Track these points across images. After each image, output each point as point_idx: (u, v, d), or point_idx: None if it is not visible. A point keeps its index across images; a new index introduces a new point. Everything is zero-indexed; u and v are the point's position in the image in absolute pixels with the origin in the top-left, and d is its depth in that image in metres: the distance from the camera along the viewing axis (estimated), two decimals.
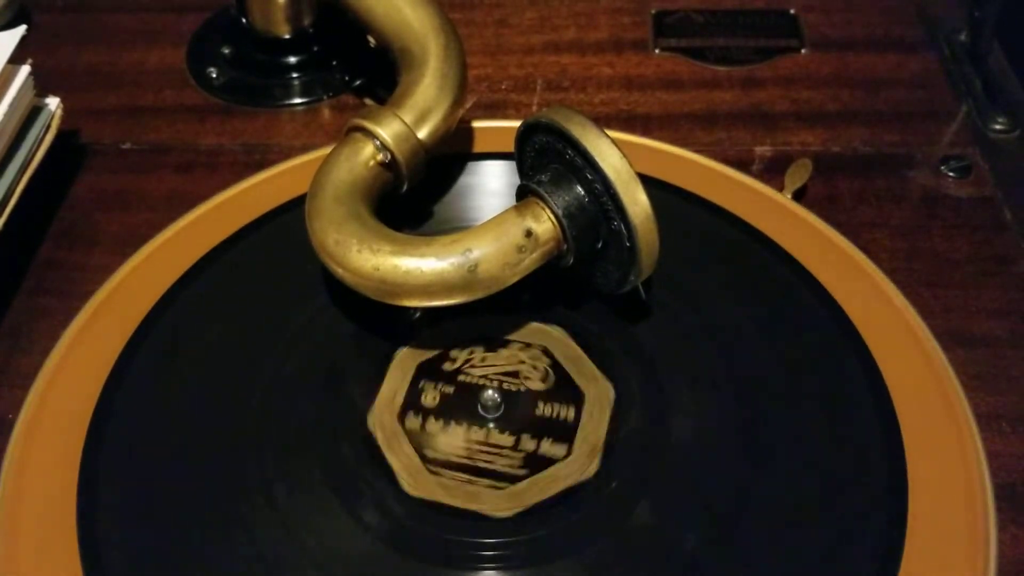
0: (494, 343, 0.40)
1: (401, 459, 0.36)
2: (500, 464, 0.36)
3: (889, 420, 0.37)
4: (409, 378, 0.39)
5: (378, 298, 0.38)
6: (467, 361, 0.39)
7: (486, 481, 0.36)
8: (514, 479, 0.36)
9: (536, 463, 0.36)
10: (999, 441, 0.38)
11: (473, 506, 0.35)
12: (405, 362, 0.39)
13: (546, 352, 0.40)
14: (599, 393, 0.38)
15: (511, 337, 0.40)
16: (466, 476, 0.36)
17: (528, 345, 0.40)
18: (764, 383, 0.38)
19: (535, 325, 0.41)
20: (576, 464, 0.36)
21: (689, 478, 0.36)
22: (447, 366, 0.39)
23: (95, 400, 0.38)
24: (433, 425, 0.37)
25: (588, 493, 0.35)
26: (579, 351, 0.40)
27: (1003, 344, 0.41)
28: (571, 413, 0.38)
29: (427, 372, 0.39)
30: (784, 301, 0.41)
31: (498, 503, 0.35)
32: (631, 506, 0.35)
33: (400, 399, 0.38)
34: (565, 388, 0.38)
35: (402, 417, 0.38)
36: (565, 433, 0.37)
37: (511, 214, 0.37)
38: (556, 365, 0.39)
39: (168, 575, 0.34)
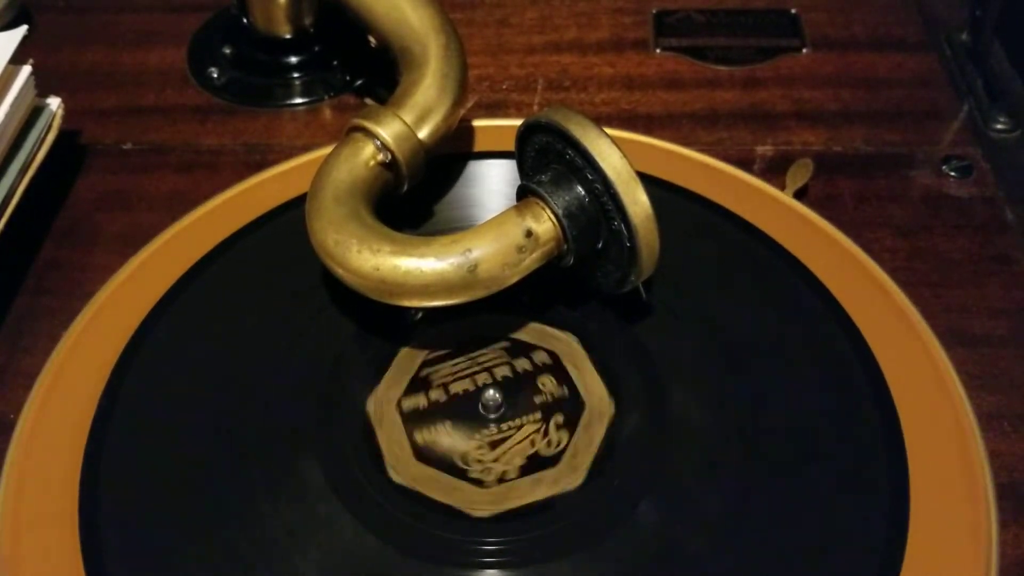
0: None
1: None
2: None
3: (890, 419, 0.37)
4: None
5: (378, 298, 0.38)
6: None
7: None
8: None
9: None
10: (1000, 440, 0.38)
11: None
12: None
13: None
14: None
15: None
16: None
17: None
18: (764, 382, 0.38)
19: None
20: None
21: (689, 478, 0.36)
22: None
23: (97, 400, 0.38)
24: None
25: (587, 494, 0.35)
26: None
27: (1005, 343, 0.41)
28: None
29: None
30: (785, 300, 0.41)
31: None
32: (631, 506, 0.35)
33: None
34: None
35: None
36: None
37: (511, 214, 0.37)
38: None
39: (170, 574, 0.34)
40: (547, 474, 0.36)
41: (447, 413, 0.38)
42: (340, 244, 0.37)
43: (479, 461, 0.36)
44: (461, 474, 0.36)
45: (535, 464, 0.36)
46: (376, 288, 0.37)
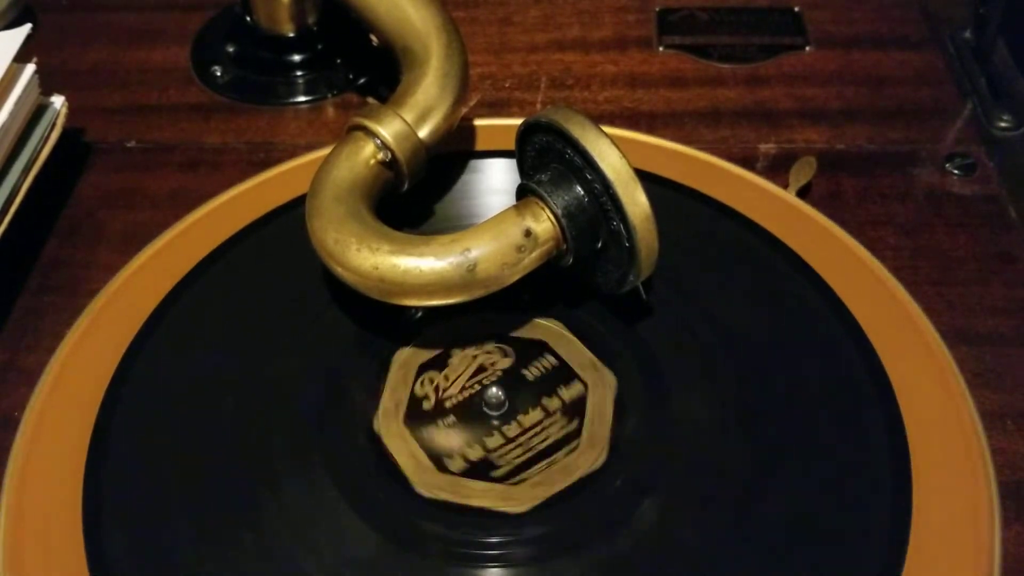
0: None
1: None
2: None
3: (894, 418, 0.37)
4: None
5: (378, 297, 0.38)
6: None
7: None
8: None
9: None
10: (1003, 439, 0.38)
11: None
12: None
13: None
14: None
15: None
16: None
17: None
18: (768, 381, 0.38)
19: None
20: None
21: (692, 478, 0.36)
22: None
23: (100, 398, 0.38)
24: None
25: (590, 493, 0.35)
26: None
27: (1008, 342, 0.41)
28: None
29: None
30: (788, 298, 0.41)
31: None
32: (633, 506, 0.35)
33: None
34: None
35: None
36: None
37: (510, 213, 0.37)
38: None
39: (173, 570, 0.34)
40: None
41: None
42: (340, 243, 0.37)
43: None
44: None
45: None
46: (375, 287, 0.37)
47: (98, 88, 0.54)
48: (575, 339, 0.40)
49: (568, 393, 0.38)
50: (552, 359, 0.39)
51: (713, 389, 0.38)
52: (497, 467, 0.36)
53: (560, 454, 0.36)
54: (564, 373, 0.39)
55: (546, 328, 0.40)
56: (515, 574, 0.33)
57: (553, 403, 0.38)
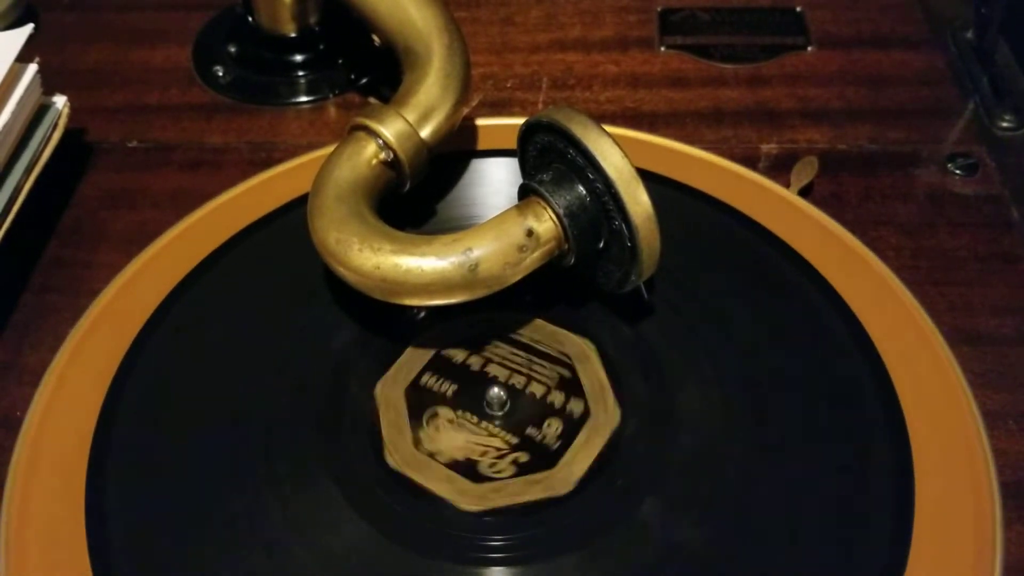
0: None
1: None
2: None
3: (895, 418, 0.37)
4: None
5: (379, 297, 0.38)
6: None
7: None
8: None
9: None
10: (1006, 439, 0.38)
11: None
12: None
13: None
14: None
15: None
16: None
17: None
18: (769, 381, 0.38)
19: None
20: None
21: (692, 478, 0.36)
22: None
23: (103, 397, 0.38)
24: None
25: (590, 493, 0.35)
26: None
27: (1010, 342, 0.41)
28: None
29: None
30: (790, 298, 0.41)
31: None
32: (635, 505, 0.35)
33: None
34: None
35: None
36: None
37: (512, 213, 0.37)
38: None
39: (176, 569, 0.34)
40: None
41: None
42: (341, 243, 0.37)
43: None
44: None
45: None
46: (377, 287, 0.37)
47: (100, 88, 0.54)
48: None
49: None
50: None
51: (714, 389, 0.38)
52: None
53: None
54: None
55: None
56: (515, 573, 0.33)
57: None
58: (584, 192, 0.37)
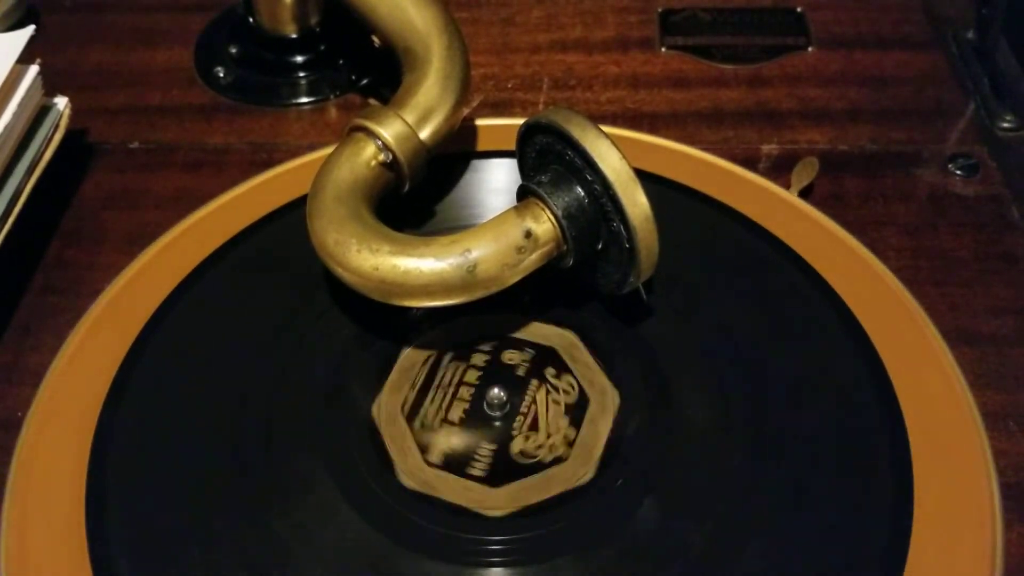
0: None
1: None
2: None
3: (895, 419, 0.37)
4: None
5: (378, 298, 0.38)
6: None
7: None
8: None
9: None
10: (1006, 440, 0.38)
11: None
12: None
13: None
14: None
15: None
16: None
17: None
18: (769, 382, 0.38)
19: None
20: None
21: (693, 478, 0.36)
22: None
23: (103, 398, 0.38)
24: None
25: (590, 494, 0.35)
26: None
27: (1010, 343, 0.41)
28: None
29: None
30: (790, 299, 0.41)
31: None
32: (634, 505, 0.35)
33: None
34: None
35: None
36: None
37: (511, 215, 0.37)
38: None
39: (176, 570, 0.34)
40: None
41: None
42: (340, 244, 0.37)
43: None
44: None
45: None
46: (376, 288, 0.37)
47: (101, 89, 0.54)
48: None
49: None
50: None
51: (714, 390, 0.38)
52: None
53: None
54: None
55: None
56: (515, 574, 0.34)
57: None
58: (582, 193, 0.37)
